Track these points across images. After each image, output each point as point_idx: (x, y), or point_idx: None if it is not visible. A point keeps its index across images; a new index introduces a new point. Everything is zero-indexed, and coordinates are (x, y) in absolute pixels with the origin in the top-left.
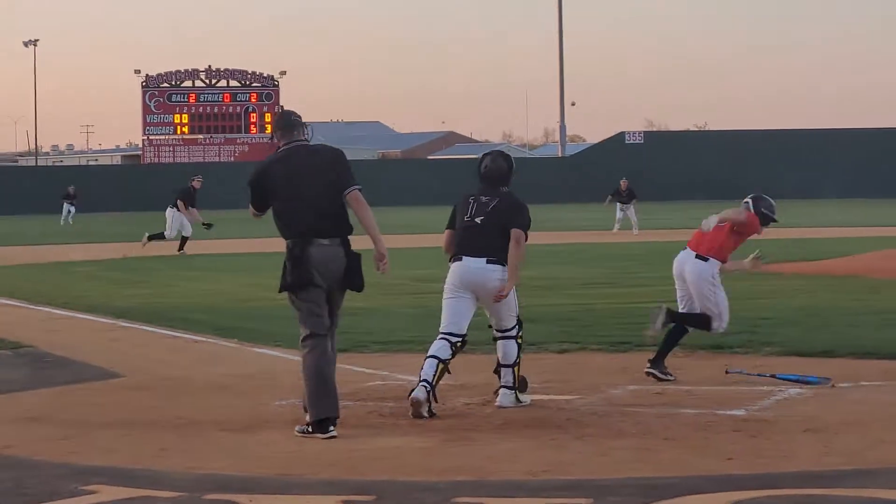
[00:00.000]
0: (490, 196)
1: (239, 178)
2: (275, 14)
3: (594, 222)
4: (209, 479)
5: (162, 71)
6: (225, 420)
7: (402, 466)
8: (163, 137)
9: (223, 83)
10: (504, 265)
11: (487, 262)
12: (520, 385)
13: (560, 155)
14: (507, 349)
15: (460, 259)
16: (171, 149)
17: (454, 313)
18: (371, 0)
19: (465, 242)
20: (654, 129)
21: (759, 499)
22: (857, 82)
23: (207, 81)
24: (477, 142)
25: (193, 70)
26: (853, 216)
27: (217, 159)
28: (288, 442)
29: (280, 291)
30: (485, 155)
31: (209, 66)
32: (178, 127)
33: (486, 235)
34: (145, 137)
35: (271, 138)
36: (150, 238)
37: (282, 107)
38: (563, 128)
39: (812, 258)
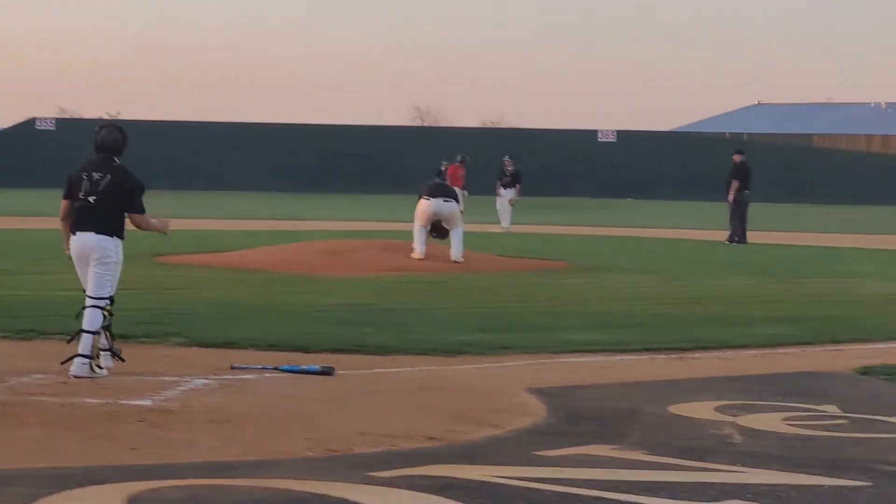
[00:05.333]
0: (102, 172)
1: None
2: None
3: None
4: None
5: None
6: None
7: None
8: None
9: None
10: (113, 237)
11: (98, 233)
12: (97, 354)
13: None
14: (92, 316)
15: (75, 234)
16: None
17: (84, 280)
18: None
19: (80, 219)
20: (67, 117)
21: (161, 489)
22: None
23: None
24: None
25: None
26: (262, 209)
27: None
28: None
29: None
30: (101, 127)
31: None
32: None
33: (98, 214)
34: None
35: None
36: None
37: None
38: None
39: (220, 250)
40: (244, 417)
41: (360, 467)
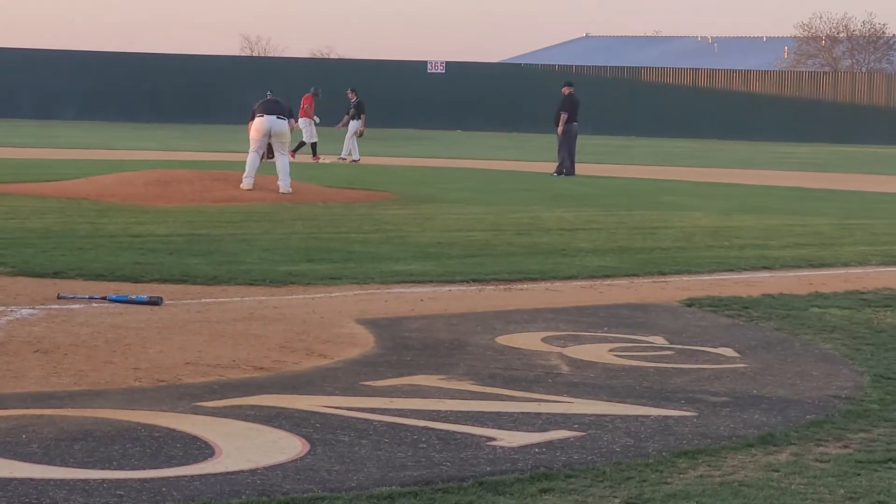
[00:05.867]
0: None
1: None
2: None
3: None
4: None
5: None
6: None
7: None
8: None
9: None
10: None
11: None
12: None
13: None
14: None
15: None
16: None
17: None
18: None
19: None
20: None
21: None
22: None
23: None
24: None
25: None
26: (86, 138)
27: None
28: None
29: None
30: None
31: None
32: None
33: None
34: None
35: None
36: None
37: None
38: None
39: (45, 179)
40: (71, 347)
41: (188, 397)
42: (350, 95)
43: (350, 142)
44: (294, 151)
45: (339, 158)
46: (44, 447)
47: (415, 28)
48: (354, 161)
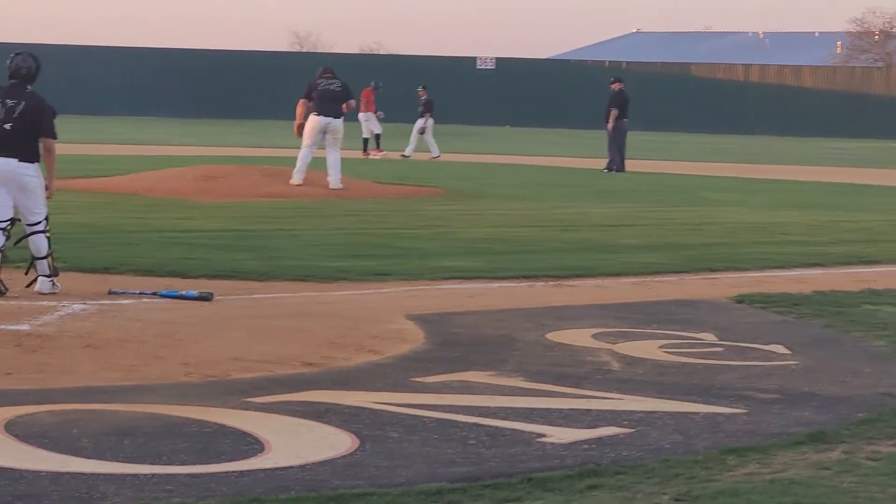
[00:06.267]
0: (16, 99)
1: None
2: None
3: None
4: None
5: None
6: None
7: None
8: None
9: None
10: (33, 162)
11: (19, 161)
12: (53, 272)
13: None
14: (38, 243)
15: None
16: None
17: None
18: None
19: None
20: None
21: (37, 414)
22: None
23: None
24: None
25: None
26: (135, 134)
27: None
28: None
29: None
30: (15, 54)
31: None
32: None
33: (15, 140)
34: None
35: None
36: None
37: None
38: None
39: (92, 175)
40: (121, 342)
41: (237, 393)
42: (421, 93)
43: (429, 138)
44: (365, 152)
45: (432, 158)
46: (94, 441)
47: (464, 23)
48: (435, 157)
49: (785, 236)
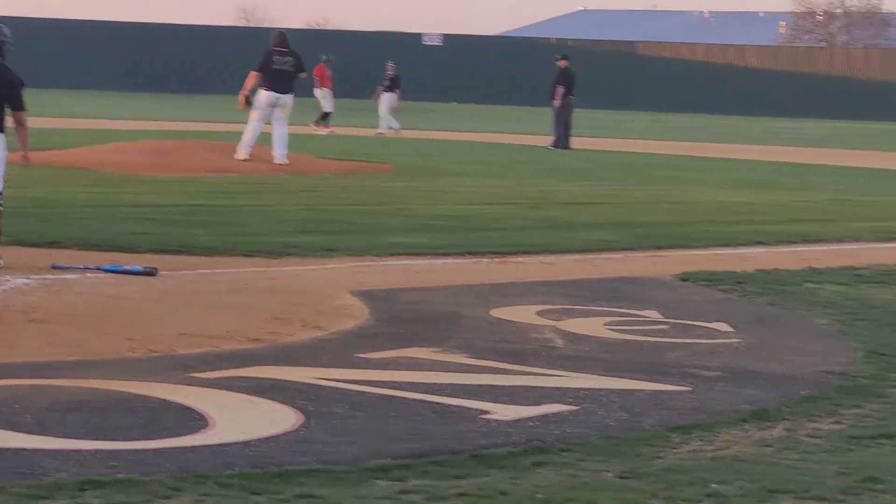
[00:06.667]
0: None
1: None
2: None
3: None
4: None
5: None
6: None
7: None
8: None
9: None
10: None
11: None
12: None
13: None
14: None
15: None
16: None
17: None
18: None
19: None
20: None
21: None
22: None
23: None
24: None
25: None
26: (77, 107)
27: None
28: None
29: None
30: None
31: None
32: None
33: None
34: None
35: None
36: None
37: None
38: None
39: (37, 148)
40: (65, 317)
41: (182, 368)
42: (389, 67)
43: (383, 112)
44: (319, 124)
45: (377, 134)
46: (37, 417)
47: (413, 0)
48: (380, 133)
49: (732, 215)
